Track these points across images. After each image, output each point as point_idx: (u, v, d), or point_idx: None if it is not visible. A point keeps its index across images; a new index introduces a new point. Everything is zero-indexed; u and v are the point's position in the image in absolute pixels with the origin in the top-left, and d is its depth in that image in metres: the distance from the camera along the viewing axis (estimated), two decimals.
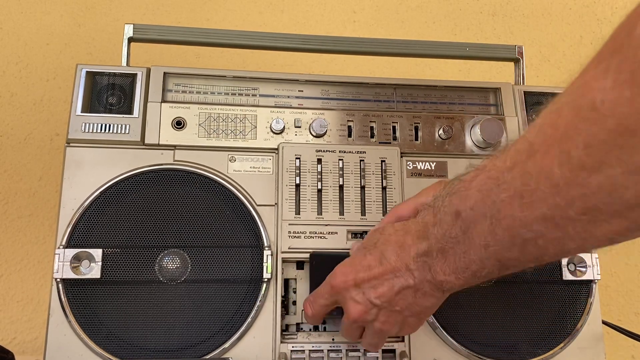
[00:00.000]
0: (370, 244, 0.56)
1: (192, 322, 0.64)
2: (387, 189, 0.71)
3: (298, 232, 0.68)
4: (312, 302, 0.60)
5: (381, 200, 0.70)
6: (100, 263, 0.63)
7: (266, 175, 0.70)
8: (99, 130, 0.68)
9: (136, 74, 0.71)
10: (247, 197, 0.68)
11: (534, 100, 0.78)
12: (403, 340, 0.67)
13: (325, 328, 0.67)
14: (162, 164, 0.68)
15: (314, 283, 0.65)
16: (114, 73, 0.71)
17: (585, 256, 0.71)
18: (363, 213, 0.70)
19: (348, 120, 0.74)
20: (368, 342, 0.60)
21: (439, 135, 0.74)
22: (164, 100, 0.71)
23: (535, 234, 0.39)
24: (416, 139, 0.74)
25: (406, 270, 0.50)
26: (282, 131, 0.72)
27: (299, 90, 0.75)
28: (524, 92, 0.78)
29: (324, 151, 0.71)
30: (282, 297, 0.67)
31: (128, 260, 0.64)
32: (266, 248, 0.67)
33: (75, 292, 0.63)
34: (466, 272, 0.46)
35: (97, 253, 0.64)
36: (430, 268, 0.49)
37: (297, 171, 0.70)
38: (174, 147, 0.70)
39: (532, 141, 0.37)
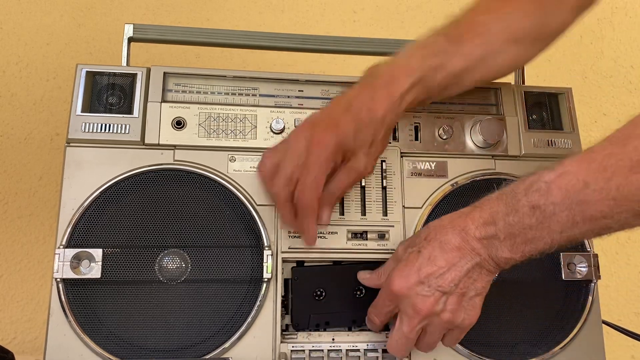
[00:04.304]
0: (418, 241, 0.60)
1: (192, 322, 0.64)
2: (387, 189, 0.71)
3: (298, 232, 0.68)
4: (378, 313, 0.63)
5: (381, 200, 0.70)
6: (100, 263, 0.63)
7: None
8: (99, 130, 0.68)
9: (136, 74, 0.71)
10: (247, 197, 0.68)
11: (534, 100, 0.78)
12: None
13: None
14: (162, 164, 0.68)
15: (298, 296, 0.67)
16: (114, 73, 0.71)
17: (585, 256, 0.71)
18: (363, 213, 0.70)
19: None
20: (427, 343, 0.62)
21: (439, 135, 0.74)
22: (164, 100, 0.71)
23: (616, 223, 0.50)
24: (416, 139, 0.74)
25: (471, 250, 0.56)
26: (282, 131, 0.71)
27: (299, 90, 0.75)
28: (524, 92, 0.77)
29: None
30: (282, 297, 0.67)
31: (128, 260, 0.64)
32: (266, 248, 0.67)
33: (75, 292, 0.63)
34: (534, 251, 0.55)
35: (97, 253, 0.64)
36: (496, 248, 0.56)
37: None
38: (174, 147, 0.69)
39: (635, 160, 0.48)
